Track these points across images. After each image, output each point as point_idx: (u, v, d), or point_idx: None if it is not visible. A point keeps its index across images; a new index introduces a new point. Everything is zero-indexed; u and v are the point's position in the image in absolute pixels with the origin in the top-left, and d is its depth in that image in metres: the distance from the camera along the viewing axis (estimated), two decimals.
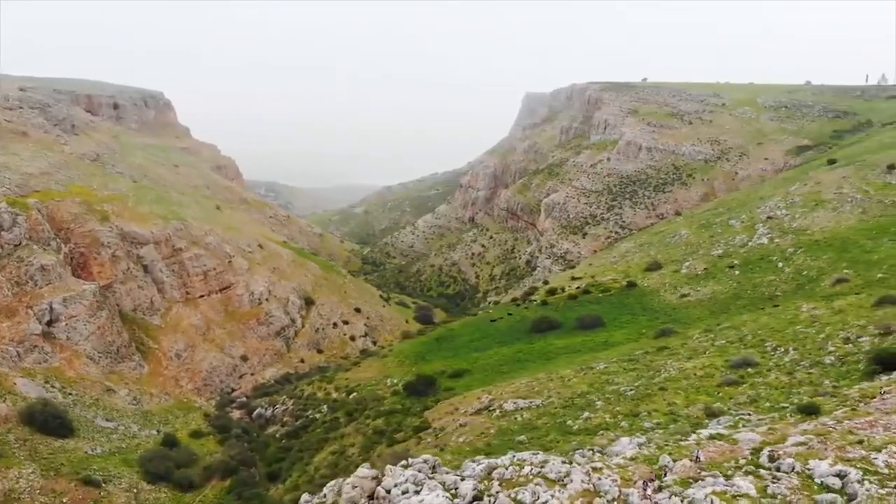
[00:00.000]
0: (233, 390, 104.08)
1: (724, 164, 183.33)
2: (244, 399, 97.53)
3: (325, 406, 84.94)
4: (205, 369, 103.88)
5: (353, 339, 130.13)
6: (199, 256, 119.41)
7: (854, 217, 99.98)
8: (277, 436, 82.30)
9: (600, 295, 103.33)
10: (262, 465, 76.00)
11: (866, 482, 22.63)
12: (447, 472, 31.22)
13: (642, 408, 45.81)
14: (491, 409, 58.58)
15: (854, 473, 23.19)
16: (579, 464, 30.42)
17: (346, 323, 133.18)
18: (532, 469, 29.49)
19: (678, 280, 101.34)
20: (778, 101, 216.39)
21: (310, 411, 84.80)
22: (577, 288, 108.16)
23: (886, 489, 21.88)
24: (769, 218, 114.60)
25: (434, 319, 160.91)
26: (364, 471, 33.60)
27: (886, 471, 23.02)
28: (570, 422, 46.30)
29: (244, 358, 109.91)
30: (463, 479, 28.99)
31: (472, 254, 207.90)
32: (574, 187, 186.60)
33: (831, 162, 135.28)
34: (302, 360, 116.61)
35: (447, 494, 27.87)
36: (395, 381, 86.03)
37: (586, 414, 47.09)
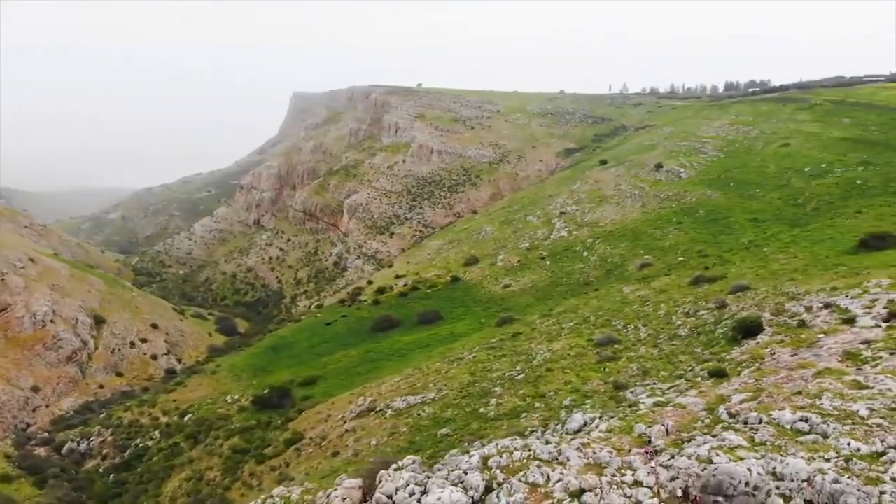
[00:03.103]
0: (28, 426, 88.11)
1: (506, 165, 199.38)
2: (46, 434, 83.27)
3: (156, 432, 76.27)
4: None
5: (154, 358, 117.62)
6: None
7: (636, 210, 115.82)
8: (101, 471, 71.97)
9: (429, 291, 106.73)
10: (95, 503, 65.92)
11: (829, 421, 27.32)
12: (440, 469, 30.93)
13: (543, 389, 49.02)
14: (377, 410, 57.89)
15: (815, 417, 27.95)
16: (556, 443, 31.89)
17: (144, 341, 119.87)
18: (522, 454, 30.35)
19: (497, 272, 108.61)
20: (544, 109, 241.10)
21: (138, 440, 75.54)
22: (405, 285, 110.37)
23: (847, 426, 26.71)
24: (562, 213, 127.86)
25: (238, 330, 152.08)
26: (349, 482, 32.12)
27: (836, 413, 28.02)
28: (481, 409, 47.88)
29: (35, 389, 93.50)
30: (466, 473, 28.96)
31: (270, 258, 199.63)
32: (375, 188, 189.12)
33: (603, 162, 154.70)
34: (101, 386, 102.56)
35: (460, 489, 27.66)
36: (237, 396, 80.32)
37: (493, 401, 49.02)
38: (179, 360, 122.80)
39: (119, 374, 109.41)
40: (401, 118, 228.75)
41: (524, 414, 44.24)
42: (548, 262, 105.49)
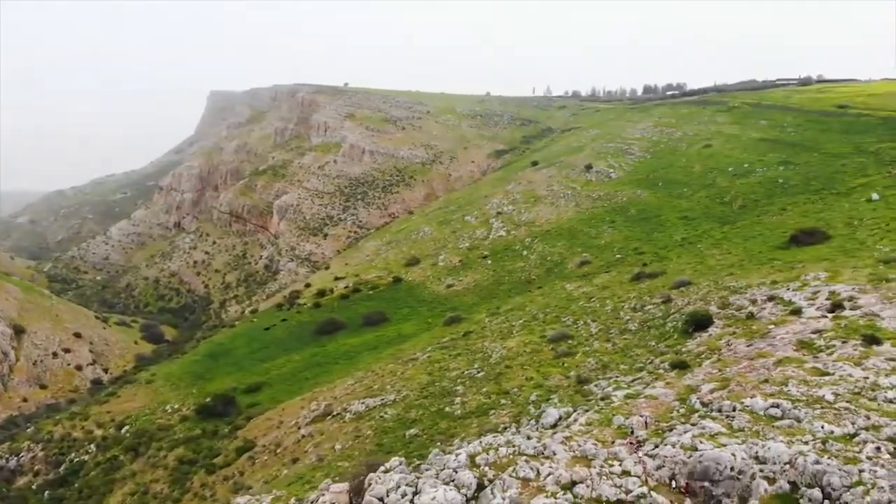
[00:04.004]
0: None
1: (439, 166, 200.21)
2: None
3: (91, 446, 72.34)
4: None
5: (79, 368, 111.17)
6: None
7: (571, 210, 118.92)
8: (34, 488, 67.70)
9: (371, 292, 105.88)
10: None
11: (799, 407, 29.03)
12: (427, 469, 30.86)
13: (506, 385, 49.70)
14: (334, 414, 57.03)
15: (786, 403, 29.68)
16: (538, 437, 32.45)
17: (67, 351, 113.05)
18: (507, 450, 30.76)
19: (439, 272, 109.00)
20: (473, 111, 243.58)
21: (72, 454, 71.41)
22: (346, 287, 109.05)
23: (817, 410, 28.46)
24: (499, 213, 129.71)
25: (165, 337, 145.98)
26: (335, 486, 31.73)
27: (805, 398, 29.82)
28: (447, 408, 48.03)
29: None
30: (456, 471, 29.05)
31: (195, 262, 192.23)
32: (305, 189, 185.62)
33: (534, 164, 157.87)
34: (25, 400, 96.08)
35: (452, 488, 27.75)
36: (177, 405, 77.19)
37: (457, 399, 49.28)
38: (106, 371, 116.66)
39: (43, 387, 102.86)
40: (330, 118, 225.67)
41: (492, 411, 44.69)
42: (489, 262, 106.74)
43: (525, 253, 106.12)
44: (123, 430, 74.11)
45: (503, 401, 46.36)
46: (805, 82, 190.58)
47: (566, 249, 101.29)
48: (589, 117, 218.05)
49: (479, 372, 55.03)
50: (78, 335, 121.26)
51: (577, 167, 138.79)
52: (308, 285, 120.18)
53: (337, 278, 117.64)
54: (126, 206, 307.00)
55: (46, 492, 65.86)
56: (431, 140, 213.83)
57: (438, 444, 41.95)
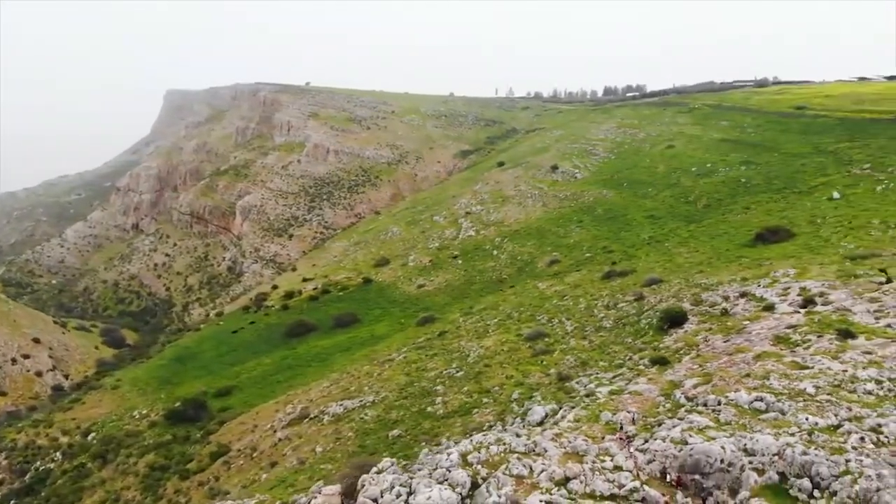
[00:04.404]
0: None
1: (405, 166, 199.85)
2: None
3: (57, 454, 70.13)
4: None
5: (39, 374, 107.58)
6: None
7: (539, 210, 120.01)
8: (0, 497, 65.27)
9: (341, 293, 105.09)
10: None
11: (782, 400, 29.88)
12: (420, 468, 30.88)
13: (486, 384, 49.89)
14: (312, 416, 56.46)
15: (769, 397, 30.51)
16: (527, 435, 32.71)
17: (26, 357, 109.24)
18: (498, 448, 31.01)
19: (410, 272, 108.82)
20: (437, 111, 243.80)
21: (38, 462, 69.17)
22: (315, 289, 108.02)
23: (800, 403, 29.35)
24: (468, 213, 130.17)
25: (127, 342, 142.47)
26: (327, 488, 31.51)
27: (787, 392, 30.71)
28: (428, 408, 47.98)
29: None
30: (449, 471, 29.15)
31: (156, 264, 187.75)
32: (269, 189, 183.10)
33: (500, 164, 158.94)
34: None
35: (447, 487, 27.81)
36: (145, 411, 75.42)
37: (438, 399, 49.27)
38: (66, 376, 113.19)
39: (2, 394, 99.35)
40: (293, 117, 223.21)
41: (475, 410, 44.82)
42: (460, 261, 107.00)
43: (495, 252, 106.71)
44: (90, 437, 71.96)
45: (485, 399, 46.53)
46: (762, 84, 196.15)
47: (536, 249, 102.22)
48: (552, 118, 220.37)
49: (458, 371, 55.14)
50: (37, 340, 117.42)
51: (544, 167, 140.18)
52: (275, 287, 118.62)
53: (305, 280, 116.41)
54: (81, 207, 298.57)
55: (12, 501, 63.71)
56: (397, 140, 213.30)
57: (423, 444, 41.94)
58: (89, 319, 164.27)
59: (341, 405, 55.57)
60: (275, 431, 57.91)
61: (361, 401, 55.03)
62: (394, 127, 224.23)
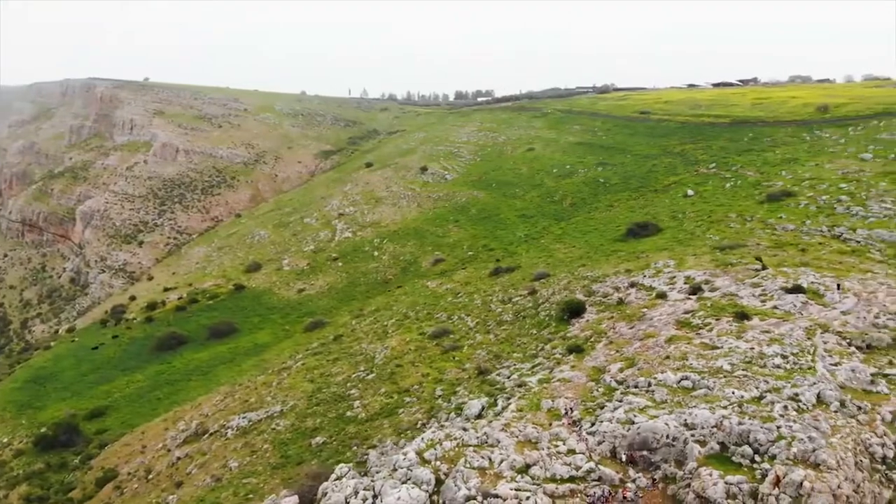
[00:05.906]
0: None
1: (263, 166, 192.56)
2: None
3: None
4: None
5: None
6: None
7: (414, 210, 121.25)
8: None
9: (211, 302, 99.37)
10: None
11: (706, 377, 33.19)
12: (378, 471, 30.76)
13: (403, 384, 50.12)
14: (212, 432, 53.30)
15: (693, 375, 33.75)
16: (474, 427, 33.63)
17: None
18: (450, 443, 31.75)
19: (286, 277, 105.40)
20: (293, 109, 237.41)
21: None
22: (180, 298, 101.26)
23: (722, 379, 32.72)
24: (341, 214, 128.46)
25: None
26: (284, 500, 30.50)
27: (707, 370, 34.09)
28: (348, 413, 47.27)
29: None
30: (411, 469, 29.37)
31: None
32: (113, 192, 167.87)
33: (368, 165, 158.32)
34: None
35: (412, 485, 28.11)
36: (6, 439, 67.24)
37: (356, 402, 48.66)
38: None
39: None
40: (136, 115, 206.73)
41: (400, 410, 44.87)
42: (340, 264, 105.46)
43: (376, 253, 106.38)
44: None
45: (407, 399, 46.73)
46: (603, 90, 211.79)
47: (417, 248, 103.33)
48: (412, 120, 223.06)
49: (368, 374, 54.71)
50: None
51: (413, 169, 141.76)
52: (133, 298, 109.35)
53: (166, 289, 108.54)
54: None
55: None
56: (253, 139, 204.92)
57: (353, 448, 41.39)
58: None
59: (244, 418, 52.97)
60: (169, 451, 53.97)
61: (268, 411, 52.83)
62: (248, 125, 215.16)
